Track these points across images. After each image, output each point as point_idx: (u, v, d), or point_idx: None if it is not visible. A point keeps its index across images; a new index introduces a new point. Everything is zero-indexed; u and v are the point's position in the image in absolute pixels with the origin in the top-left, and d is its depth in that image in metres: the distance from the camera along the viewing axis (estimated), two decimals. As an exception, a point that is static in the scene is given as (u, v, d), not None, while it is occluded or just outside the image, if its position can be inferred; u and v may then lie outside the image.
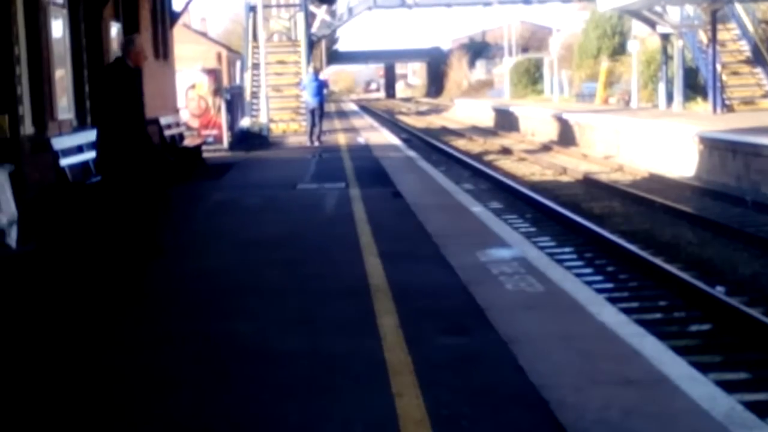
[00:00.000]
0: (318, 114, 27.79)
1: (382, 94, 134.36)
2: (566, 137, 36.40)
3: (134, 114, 9.87)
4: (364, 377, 5.85)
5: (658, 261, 12.87)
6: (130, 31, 17.57)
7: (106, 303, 8.12)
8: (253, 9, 37.58)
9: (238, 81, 44.79)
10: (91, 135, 12.31)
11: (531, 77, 71.28)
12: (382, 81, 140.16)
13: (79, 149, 13.72)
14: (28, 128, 12.26)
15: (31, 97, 12.45)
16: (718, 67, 34.44)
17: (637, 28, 45.31)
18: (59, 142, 12.98)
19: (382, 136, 31.32)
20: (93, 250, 10.34)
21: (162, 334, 7.06)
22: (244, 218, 13.39)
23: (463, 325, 6.95)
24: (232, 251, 10.56)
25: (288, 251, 10.42)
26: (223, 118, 26.84)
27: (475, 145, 38.30)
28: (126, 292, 8.54)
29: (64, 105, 14.02)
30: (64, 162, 12.88)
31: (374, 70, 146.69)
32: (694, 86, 38.84)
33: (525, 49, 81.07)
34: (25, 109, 12.18)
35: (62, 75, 14.06)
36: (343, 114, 52.47)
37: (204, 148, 23.21)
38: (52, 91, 13.45)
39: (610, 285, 12.17)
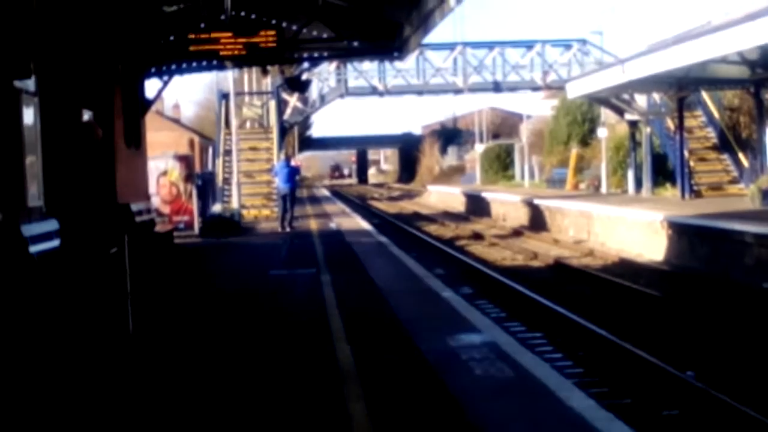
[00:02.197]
0: (290, 200, 27.88)
1: (354, 179, 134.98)
2: (537, 222, 36.64)
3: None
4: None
5: (627, 345, 12.90)
6: (102, 118, 17.65)
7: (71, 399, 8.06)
8: (225, 96, 37.94)
9: (210, 167, 44.94)
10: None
11: (502, 163, 71.91)
12: (354, 166, 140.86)
13: (49, 236, 13.66)
14: (-3, 215, 12.22)
15: (1, 184, 12.43)
16: (686, 153, 34.95)
17: (606, 114, 45.99)
18: (29, 230, 12.94)
19: (354, 222, 31.42)
20: (60, 341, 10.25)
21: None
22: (215, 306, 13.33)
23: (433, 411, 6.93)
24: (202, 340, 10.51)
25: (257, 339, 10.38)
26: (195, 204, 26.88)
27: (447, 231, 38.46)
28: (88, 386, 8.47)
29: (34, 192, 13.99)
30: (34, 249, 12.82)
31: (345, 155, 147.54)
32: (662, 172, 39.34)
33: (496, 135, 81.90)
34: (-5, 196, 12.15)
35: (32, 162, 14.06)
36: (315, 200, 52.64)
37: (175, 234, 23.17)
38: (22, 178, 13.44)
39: (579, 370, 12.17)
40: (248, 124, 41.86)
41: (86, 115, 16.49)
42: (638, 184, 39.00)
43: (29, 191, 13.78)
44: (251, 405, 7.39)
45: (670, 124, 37.59)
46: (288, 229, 27.22)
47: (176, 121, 70.02)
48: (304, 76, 33.32)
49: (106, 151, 17.94)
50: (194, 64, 24.11)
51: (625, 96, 37.48)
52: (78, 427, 6.94)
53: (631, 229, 26.91)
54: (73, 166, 14.40)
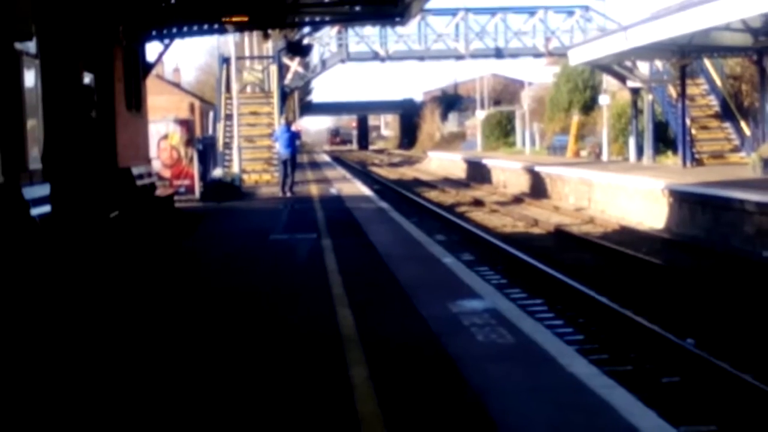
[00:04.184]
0: (290, 165, 27.87)
1: (354, 145, 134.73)
2: (538, 189, 36.61)
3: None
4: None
5: (627, 313, 12.92)
6: (103, 82, 17.59)
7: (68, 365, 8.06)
8: (226, 60, 37.77)
9: (210, 132, 44.86)
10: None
11: (503, 130, 71.79)
12: (354, 132, 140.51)
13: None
14: (-2, 178, 12.21)
15: (2, 147, 12.41)
16: (688, 121, 34.86)
17: (608, 82, 45.85)
18: (30, 192, 12.91)
19: (354, 187, 31.37)
20: (58, 305, 10.25)
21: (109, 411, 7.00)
22: (215, 269, 13.33)
23: (434, 377, 6.94)
24: (201, 302, 10.51)
25: (258, 303, 10.38)
26: (195, 169, 26.85)
27: (448, 197, 38.44)
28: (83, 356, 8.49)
29: (36, 155, 13.96)
30: (35, 212, 12.80)
31: (345, 121, 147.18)
32: (664, 140, 39.27)
33: (497, 102, 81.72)
34: (-4, 159, 12.14)
35: (34, 125, 14.03)
36: (316, 165, 52.54)
37: (176, 198, 23.16)
38: (23, 140, 13.42)
39: (580, 336, 12.19)
40: (249, 89, 41.64)
41: (87, 78, 16.44)
42: (639, 151, 38.94)
43: (30, 154, 13.76)
44: (249, 370, 7.39)
45: (672, 91, 37.46)
46: (288, 194, 27.21)
47: (177, 85, 69.82)
48: (306, 41, 33.15)
49: (106, 114, 17.90)
50: (195, 27, 24.02)
51: (628, 63, 37.32)
52: (69, 382, 6.95)
53: (632, 197, 26.89)
54: (73, 129, 14.29)
